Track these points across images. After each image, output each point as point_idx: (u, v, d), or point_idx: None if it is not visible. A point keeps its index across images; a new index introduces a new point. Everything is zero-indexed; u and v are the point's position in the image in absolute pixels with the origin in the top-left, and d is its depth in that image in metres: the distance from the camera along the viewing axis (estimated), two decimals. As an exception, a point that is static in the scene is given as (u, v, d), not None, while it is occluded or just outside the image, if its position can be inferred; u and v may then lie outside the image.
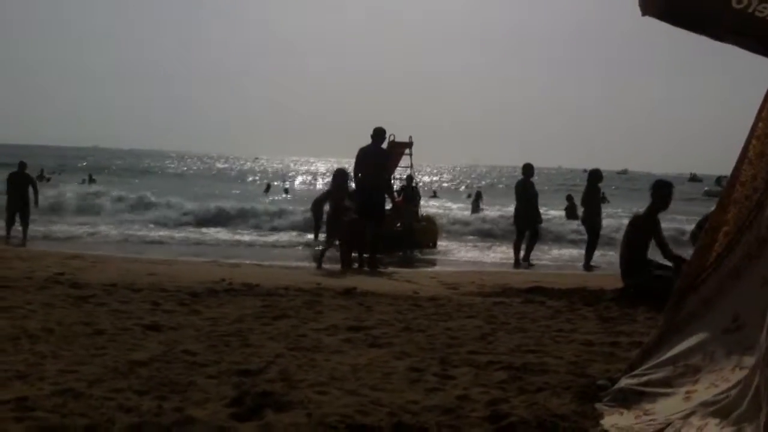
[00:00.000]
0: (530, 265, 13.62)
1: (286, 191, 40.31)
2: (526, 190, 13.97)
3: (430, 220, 17.40)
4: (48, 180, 44.32)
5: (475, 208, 26.28)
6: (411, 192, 17.91)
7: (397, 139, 16.27)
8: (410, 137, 17.21)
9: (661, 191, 7.98)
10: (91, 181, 42.26)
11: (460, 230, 20.33)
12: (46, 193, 20.64)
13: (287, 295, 7.13)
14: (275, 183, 50.67)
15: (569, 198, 23.63)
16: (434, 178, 75.26)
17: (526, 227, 14.00)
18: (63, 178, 46.33)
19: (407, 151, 17.41)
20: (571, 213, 22.02)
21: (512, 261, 14.13)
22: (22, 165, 15.99)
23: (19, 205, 15.33)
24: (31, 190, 15.61)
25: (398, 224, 15.82)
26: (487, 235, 19.86)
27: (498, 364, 4.43)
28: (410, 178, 18.44)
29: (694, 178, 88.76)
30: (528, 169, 14.01)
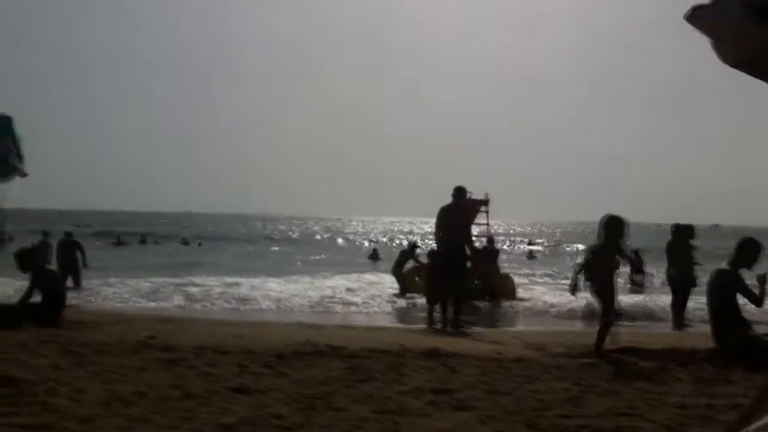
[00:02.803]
0: (683, 327, 12.89)
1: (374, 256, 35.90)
2: (675, 251, 13.68)
3: (507, 278, 17.28)
4: (144, 242, 47.04)
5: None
6: (491, 251, 17.90)
7: (474, 197, 16.30)
8: (486, 194, 17.25)
9: (747, 249, 7.71)
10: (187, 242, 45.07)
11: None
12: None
13: (371, 357, 7.12)
14: (373, 243, 51.68)
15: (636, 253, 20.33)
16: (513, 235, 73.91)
17: (678, 287, 13.61)
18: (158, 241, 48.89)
19: (483, 208, 17.43)
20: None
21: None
22: None
23: None
24: None
25: (476, 281, 15.72)
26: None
27: (588, 429, 4.30)
28: (491, 239, 18.42)
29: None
30: (677, 229, 13.77)
